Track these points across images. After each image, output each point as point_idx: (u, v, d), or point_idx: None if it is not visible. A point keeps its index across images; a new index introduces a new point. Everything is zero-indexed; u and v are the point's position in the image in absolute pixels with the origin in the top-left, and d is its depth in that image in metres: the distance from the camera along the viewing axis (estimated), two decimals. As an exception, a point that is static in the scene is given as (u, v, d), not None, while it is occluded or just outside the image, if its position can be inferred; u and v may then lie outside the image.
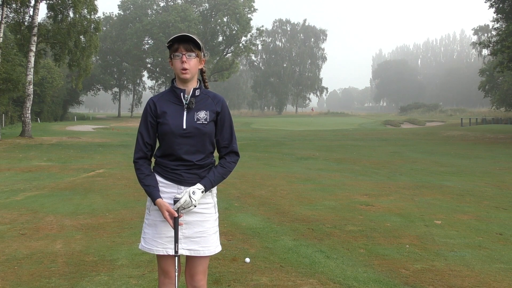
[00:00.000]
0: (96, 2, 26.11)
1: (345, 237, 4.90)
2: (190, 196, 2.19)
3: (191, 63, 2.24)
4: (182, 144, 2.24)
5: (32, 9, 23.80)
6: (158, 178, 2.31)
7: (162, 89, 77.53)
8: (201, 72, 2.39)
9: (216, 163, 2.42)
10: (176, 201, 2.20)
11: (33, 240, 4.78)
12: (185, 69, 2.22)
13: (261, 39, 71.49)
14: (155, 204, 2.24)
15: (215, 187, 2.38)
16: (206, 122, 2.27)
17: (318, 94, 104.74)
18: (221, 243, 2.42)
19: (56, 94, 45.70)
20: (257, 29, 66.72)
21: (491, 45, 28.88)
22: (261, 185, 8.61)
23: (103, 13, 69.37)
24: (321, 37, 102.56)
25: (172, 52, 2.25)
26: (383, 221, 5.68)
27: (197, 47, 2.26)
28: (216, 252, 2.35)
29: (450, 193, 7.85)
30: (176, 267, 2.28)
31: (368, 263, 4.05)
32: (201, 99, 2.31)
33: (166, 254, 2.28)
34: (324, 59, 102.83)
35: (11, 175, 10.18)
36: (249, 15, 65.53)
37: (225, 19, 65.45)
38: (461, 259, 4.19)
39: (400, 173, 10.94)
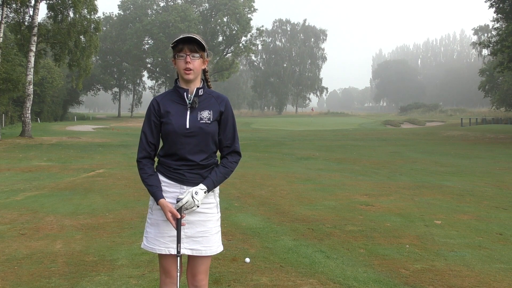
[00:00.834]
0: (96, 2, 26.12)
1: (345, 237, 4.90)
2: (192, 197, 2.19)
3: (195, 64, 2.24)
4: (185, 143, 2.24)
5: (32, 9, 23.81)
6: (161, 177, 2.31)
7: (162, 89, 77.58)
8: (204, 71, 2.39)
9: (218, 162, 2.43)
10: (178, 201, 2.21)
11: (33, 240, 4.78)
12: (189, 70, 2.23)
13: (261, 39, 71.47)
14: (158, 204, 2.25)
15: (218, 187, 2.39)
16: (209, 122, 2.27)
17: (318, 94, 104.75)
18: (222, 243, 2.42)
19: (56, 94, 45.70)
20: (257, 29, 66.74)
21: (491, 45, 28.89)
22: (261, 185, 8.61)
23: (103, 13, 69.37)
24: (321, 37, 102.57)
25: (176, 52, 2.25)
26: (383, 221, 5.68)
27: (201, 48, 2.26)
28: (218, 252, 2.35)
29: (450, 193, 7.85)
30: (178, 267, 2.28)
31: (368, 263, 4.05)
32: (205, 99, 2.32)
33: (168, 253, 2.28)
34: (324, 59, 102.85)
35: (11, 175, 10.18)
36: (249, 15, 65.54)
37: (225, 19, 65.45)
38: (461, 259, 4.19)
39: (400, 173, 10.94)
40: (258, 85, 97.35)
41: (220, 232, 2.39)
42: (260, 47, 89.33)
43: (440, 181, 9.42)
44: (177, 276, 2.28)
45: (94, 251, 4.36)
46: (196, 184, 2.27)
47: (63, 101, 50.96)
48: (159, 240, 2.29)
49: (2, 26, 21.48)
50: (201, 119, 2.26)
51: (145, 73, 73.16)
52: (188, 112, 2.26)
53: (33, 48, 23.02)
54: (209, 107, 2.30)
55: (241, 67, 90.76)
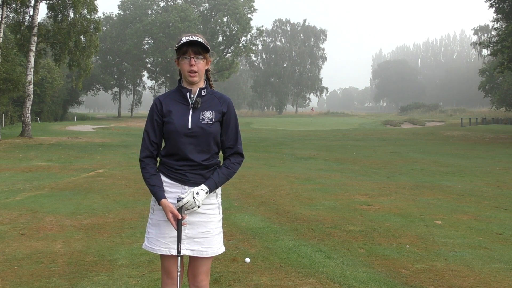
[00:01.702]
0: (96, 2, 26.11)
1: (345, 237, 4.90)
2: (193, 197, 2.19)
3: (199, 66, 2.25)
4: (186, 143, 2.24)
5: (32, 9, 23.80)
6: (163, 177, 2.31)
7: (162, 89, 77.62)
8: (206, 72, 2.39)
9: (221, 163, 2.43)
10: (179, 200, 2.21)
11: (33, 240, 4.78)
12: (194, 72, 2.24)
13: (261, 39, 71.47)
14: (159, 204, 2.24)
15: (220, 188, 2.39)
16: (211, 122, 2.27)
17: (318, 94, 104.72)
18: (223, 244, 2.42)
19: (56, 94, 45.68)
20: (257, 29, 66.73)
21: (491, 45, 28.88)
22: (261, 185, 8.61)
23: (103, 13, 69.39)
24: (321, 37, 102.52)
25: (180, 54, 2.26)
26: (383, 221, 5.68)
27: (205, 49, 2.26)
28: (219, 253, 2.34)
29: (450, 193, 7.85)
30: (179, 267, 2.27)
31: (368, 263, 4.05)
32: (208, 99, 2.32)
33: (169, 254, 2.28)
34: (324, 59, 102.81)
35: (11, 175, 10.18)
36: (249, 15, 65.52)
37: (225, 19, 65.44)
38: (461, 259, 4.19)
39: (400, 173, 10.94)
40: (258, 85, 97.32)
41: (221, 233, 2.38)
42: (260, 47, 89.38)
43: (440, 181, 9.42)
44: (177, 277, 2.28)
45: (94, 251, 4.36)
46: (198, 184, 2.26)
47: (63, 101, 50.95)
48: (160, 240, 2.28)
49: (2, 26, 21.48)
50: (203, 119, 2.26)
51: (145, 73, 73.15)
52: (191, 112, 2.27)
53: (33, 48, 23.02)
54: (212, 108, 2.30)
55: (241, 67, 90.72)
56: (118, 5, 66.65)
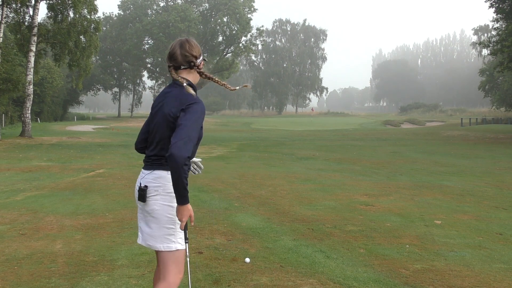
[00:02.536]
0: (96, 2, 26.11)
1: (345, 237, 4.90)
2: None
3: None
4: None
5: (32, 9, 23.80)
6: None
7: (162, 89, 77.41)
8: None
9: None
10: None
11: (33, 240, 4.78)
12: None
13: (261, 39, 71.36)
14: (184, 205, 2.20)
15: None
16: None
17: (318, 94, 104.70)
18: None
19: (56, 94, 45.67)
20: (257, 29, 66.69)
21: (491, 45, 28.88)
22: (261, 185, 8.61)
23: (103, 13, 69.30)
24: (321, 37, 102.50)
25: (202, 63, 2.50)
26: (383, 221, 5.68)
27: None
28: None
29: (450, 193, 7.85)
30: (187, 254, 2.42)
31: (368, 263, 4.05)
32: None
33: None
34: (324, 59, 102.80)
35: (11, 175, 10.18)
36: (249, 15, 65.49)
37: (225, 19, 65.40)
38: (461, 259, 4.19)
39: (400, 173, 10.93)
40: (258, 85, 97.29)
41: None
42: (260, 47, 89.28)
43: (440, 181, 9.42)
44: (187, 262, 2.43)
45: (94, 251, 4.37)
46: None
47: (63, 101, 50.93)
48: None
49: (2, 26, 21.48)
50: None
51: (145, 73, 73.10)
52: None
53: (33, 48, 23.02)
54: None
55: (241, 67, 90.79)
56: (118, 5, 66.61)
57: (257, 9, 66.46)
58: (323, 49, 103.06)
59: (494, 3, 29.11)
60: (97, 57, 61.89)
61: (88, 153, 16.13)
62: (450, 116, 67.55)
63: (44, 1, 24.58)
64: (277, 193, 7.72)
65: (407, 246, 4.60)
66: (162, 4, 69.87)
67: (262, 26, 68.44)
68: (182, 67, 2.43)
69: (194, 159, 2.59)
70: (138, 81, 72.26)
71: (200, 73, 2.48)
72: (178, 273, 2.39)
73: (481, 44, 32.09)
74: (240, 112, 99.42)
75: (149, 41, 66.82)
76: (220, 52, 68.27)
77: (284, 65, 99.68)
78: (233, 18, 64.13)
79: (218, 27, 66.46)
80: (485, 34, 68.26)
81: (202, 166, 2.73)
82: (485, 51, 53.83)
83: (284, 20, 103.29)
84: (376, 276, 3.74)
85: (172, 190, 2.23)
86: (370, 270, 3.87)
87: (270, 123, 54.90)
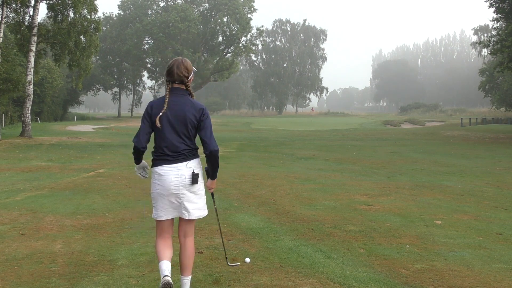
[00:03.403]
0: (96, 2, 26.11)
1: (345, 237, 4.90)
2: None
3: None
4: None
5: (32, 9, 23.80)
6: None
7: (162, 89, 77.54)
8: None
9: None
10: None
11: (33, 240, 4.78)
12: None
13: (261, 39, 71.32)
14: (214, 179, 3.34)
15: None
16: None
17: (318, 94, 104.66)
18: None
19: (56, 94, 45.67)
20: (257, 29, 66.67)
21: (491, 45, 28.88)
22: (261, 185, 8.61)
23: (103, 13, 69.37)
24: (321, 37, 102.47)
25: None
26: (383, 221, 5.68)
27: None
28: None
29: (450, 193, 7.85)
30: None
31: (368, 263, 4.05)
32: None
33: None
34: (324, 59, 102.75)
35: (11, 175, 10.18)
36: (249, 15, 65.47)
37: (225, 19, 65.39)
38: (461, 259, 4.19)
39: (400, 173, 10.94)
40: (258, 85, 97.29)
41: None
42: (260, 47, 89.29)
43: (440, 181, 9.42)
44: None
45: (94, 251, 4.37)
46: None
47: (63, 101, 50.92)
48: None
49: (2, 26, 21.48)
50: None
51: (145, 73, 73.10)
52: None
53: (33, 48, 23.02)
54: None
55: (241, 67, 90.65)
56: (118, 5, 66.60)
57: (257, 9, 66.48)
58: (323, 49, 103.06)
59: (494, 3, 29.10)
60: (97, 57, 61.90)
61: (88, 153, 16.13)
62: (450, 116, 67.56)
63: (44, 1, 24.59)
64: (277, 193, 7.72)
65: (407, 246, 4.60)
66: (162, 4, 69.86)
67: (262, 26, 68.46)
68: (176, 82, 3.16)
69: (144, 163, 3.23)
70: (138, 81, 72.25)
71: (186, 87, 3.19)
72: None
73: (481, 44, 32.08)
74: (240, 112, 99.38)
75: (149, 41, 66.82)
76: (220, 52, 68.25)
77: (284, 65, 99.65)
78: (233, 18, 64.12)
79: (218, 27, 66.46)
80: (485, 34, 68.26)
81: (148, 170, 3.32)
82: (485, 51, 53.86)
83: (284, 20, 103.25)
84: (376, 276, 3.74)
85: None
86: (370, 270, 3.87)
87: (270, 123, 54.91)
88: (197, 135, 3.16)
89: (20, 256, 4.21)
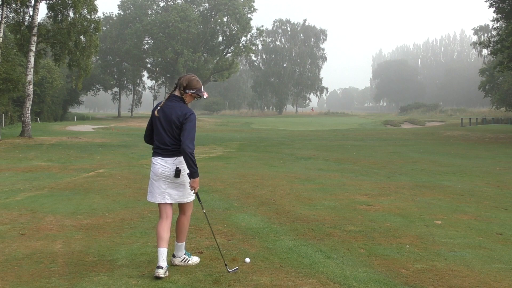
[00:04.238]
0: (96, 2, 26.08)
1: (345, 237, 4.91)
2: None
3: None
4: None
5: (32, 9, 23.78)
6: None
7: (162, 89, 77.55)
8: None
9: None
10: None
11: (33, 240, 4.78)
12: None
13: (261, 39, 71.33)
14: (195, 178, 3.70)
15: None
16: None
17: (318, 94, 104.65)
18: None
19: (56, 94, 45.66)
20: (257, 29, 66.66)
21: (491, 45, 28.89)
22: (261, 185, 8.61)
23: (103, 13, 69.28)
24: (321, 37, 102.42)
25: (195, 95, 3.83)
26: (383, 221, 5.68)
27: None
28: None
29: (450, 193, 7.85)
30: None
31: (368, 263, 4.05)
32: None
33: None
34: (324, 59, 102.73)
35: (11, 175, 10.18)
36: (249, 15, 65.47)
37: (225, 19, 65.39)
38: (461, 259, 4.19)
39: (400, 173, 10.94)
40: (258, 85, 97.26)
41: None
42: (260, 47, 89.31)
43: (440, 181, 9.42)
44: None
45: (94, 251, 4.37)
46: None
47: (63, 101, 50.92)
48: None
49: (2, 26, 21.47)
50: None
51: (145, 73, 73.09)
52: None
53: (33, 48, 23.00)
54: None
55: (241, 67, 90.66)
56: (118, 5, 66.57)
57: (257, 9, 66.46)
58: (323, 49, 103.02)
59: (494, 3, 29.11)
60: (97, 57, 61.84)
61: (88, 153, 16.13)
62: (450, 116, 67.57)
63: (44, 1, 24.57)
64: (277, 193, 7.72)
65: (407, 246, 4.60)
66: (162, 4, 69.86)
67: (262, 26, 68.44)
68: (177, 89, 3.84)
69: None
70: (138, 81, 72.22)
71: (181, 94, 3.85)
72: (190, 210, 3.99)
73: (481, 44, 32.08)
74: (240, 112, 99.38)
75: (149, 41, 66.81)
76: (220, 52, 68.24)
77: (284, 65, 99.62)
78: (233, 18, 64.12)
79: (218, 27, 66.47)
80: (485, 34, 68.19)
81: None
82: (485, 51, 53.85)
83: (284, 20, 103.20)
84: (376, 276, 3.74)
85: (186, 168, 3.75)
86: (370, 270, 3.87)
87: (270, 123, 54.91)
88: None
89: (20, 256, 4.21)
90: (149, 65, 70.74)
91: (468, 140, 26.10)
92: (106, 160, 13.84)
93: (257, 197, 7.29)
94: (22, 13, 24.23)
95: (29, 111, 23.40)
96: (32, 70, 22.99)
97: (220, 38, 68.07)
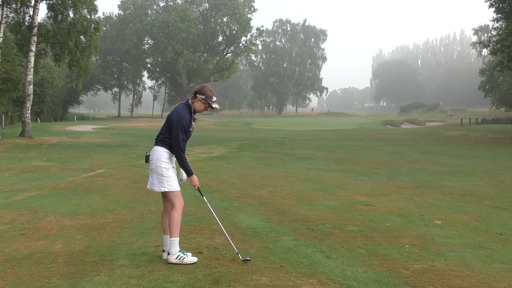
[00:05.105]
0: (96, 2, 26.09)
1: (345, 237, 4.91)
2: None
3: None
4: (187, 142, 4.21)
5: (32, 9, 23.78)
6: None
7: (162, 89, 77.55)
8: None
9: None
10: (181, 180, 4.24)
11: (33, 240, 4.78)
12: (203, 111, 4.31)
13: (261, 39, 71.41)
14: (190, 176, 4.12)
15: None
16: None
17: (318, 94, 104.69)
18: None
19: (56, 94, 45.67)
20: (257, 29, 66.72)
21: (491, 44, 28.89)
22: (261, 185, 8.61)
23: (103, 13, 69.38)
24: (321, 37, 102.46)
25: (206, 100, 4.14)
26: (383, 221, 5.68)
27: None
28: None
29: (450, 193, 7.85)
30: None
31: (368, 263, 4.05)
32: (195, 119, 4.27)
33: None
34: (324, 59, 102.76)
35: (11, 175, 10.18)
36: (249, 15, 65.51)
37: (225, 19, 65.42)
38: (461, 259, 4.19)
39: (400, 173, 10.94)
40: (258, 85, 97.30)
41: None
42: (260, 47, 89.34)
43: (440, 181, 9.42)
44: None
45: (94, 251, 4.37)
46: None
47: (63, 101, 50.93)
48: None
49: (2, 26, 21.47)
50: (193, 129, 4.25)
51: (145, 73, 73.11)
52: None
53: (33, 48, 23.01)
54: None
55: (241, 67, 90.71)
56: (118, 5, 66.61)
57: (257, 9, 66.52)
58: (323, 49, 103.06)
59: (494, 3, 29.11)
60: (97, 57, 61.87)
61: (88, 153, 16.13)
62: (450, 116, 67.59)
63: (44, 1, 24.58)
64: (277, 193, 7.72)
65: (407, 246, 4.60)
66: (162, 4, 69.89)
67: (262, 26, 68.52)
68: (192, 97, 4.22)
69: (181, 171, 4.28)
70: (138, 81, 72.25)
71: (188, 99, 4.25)
72: (179, 202, 4.11)
73: (481, 44, 32.09)
74: (240, 112, 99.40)
75: (149, 41, 66.84)
76: (220, 52, 68.27)
77: (284, 65, 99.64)
78: (233, 18, 64.15)
79: (218, 27, 66.49)
80: (485, 34, 68.22)
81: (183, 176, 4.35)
82: (485, 51, 53.89)
83: (284, 20, 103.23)
84: (376, 276, 3.74)
85: (162, 158, 4.10)
86: (370, 270, 3.87)
87: (270, 123, 54.92)
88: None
89: (20, 256, 4.22)
90: (149, 65, 70.76)
91: (468, 140, 26.11)
92: (106, 160, 13.84)
93: (257, 197, 7.29)
94: (22, 13, 24.23)
95: (29, 111, 23.41)
96: (32, 70, 23.00)
97: (220, 38, 68.12)
